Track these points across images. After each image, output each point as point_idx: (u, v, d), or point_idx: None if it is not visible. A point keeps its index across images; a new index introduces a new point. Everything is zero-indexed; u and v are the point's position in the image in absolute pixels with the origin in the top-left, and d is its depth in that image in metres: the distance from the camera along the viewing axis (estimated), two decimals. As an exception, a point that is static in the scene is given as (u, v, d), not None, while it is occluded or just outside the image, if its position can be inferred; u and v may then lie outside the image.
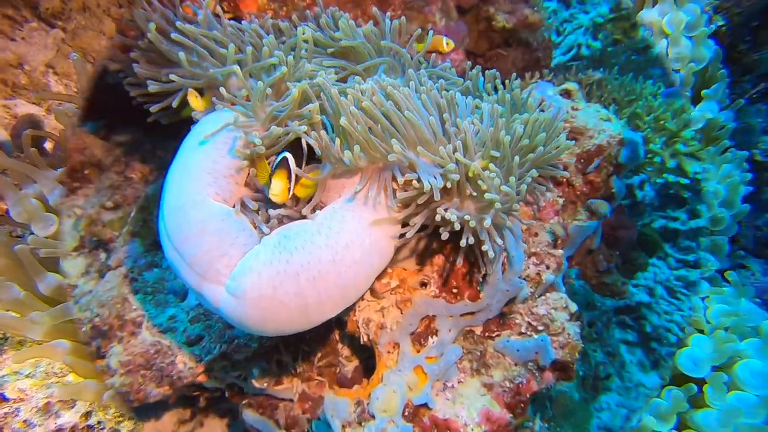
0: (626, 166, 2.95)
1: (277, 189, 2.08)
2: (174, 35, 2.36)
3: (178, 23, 2.38)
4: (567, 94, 3.04)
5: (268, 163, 2.29)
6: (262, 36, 2.50)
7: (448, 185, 2.07)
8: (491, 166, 2.12)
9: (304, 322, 2.08)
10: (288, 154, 2.15)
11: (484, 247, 2.11)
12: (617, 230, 3.37)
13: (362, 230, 2.10)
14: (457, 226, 2.08)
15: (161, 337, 2.69)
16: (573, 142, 2.54)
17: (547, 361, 2.60)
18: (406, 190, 2.13)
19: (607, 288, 3.39)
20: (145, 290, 2.82)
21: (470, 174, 2.11)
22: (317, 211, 2.17)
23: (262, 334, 2.19)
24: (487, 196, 2.06)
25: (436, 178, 2.05)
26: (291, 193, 2.13)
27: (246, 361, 2.89)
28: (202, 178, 2.19)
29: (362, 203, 2.14)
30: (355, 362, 3.07)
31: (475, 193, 2.15)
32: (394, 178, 2.15)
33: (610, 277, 3.35)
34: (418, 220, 2.13)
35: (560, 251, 2.94)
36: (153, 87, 2.46)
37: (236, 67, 2.33)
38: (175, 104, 2.44)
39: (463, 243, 2.12)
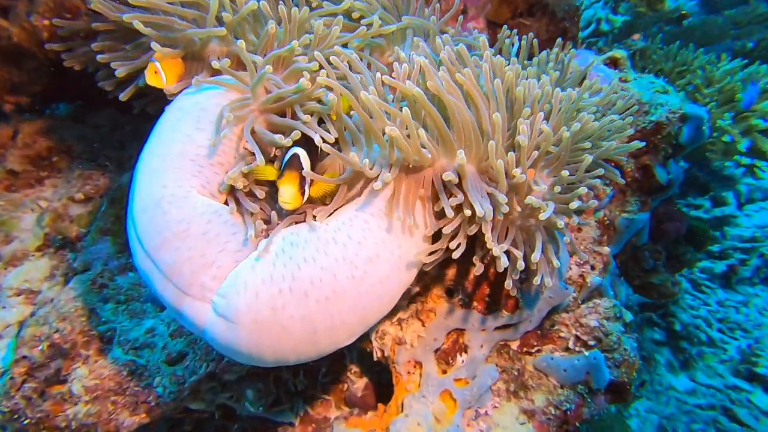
0: (686, 147, 2.51)
1: (288, 195, 1.62)
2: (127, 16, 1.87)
3: None
4: (613, 63, 2.61)
5: (274, 159, 1.85)
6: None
7: (500, 215, 1.68)
8: (564, 173, 1.70)
9: (312, 352, 1.64)
10: (300, 151, 1.69)
11: (537, 280, 1.75)
12: (664, 223, 2.93)
13: (391, 240, 1.66)
14: (503, 267, 1.67)
15: (136, 355, 2.26)
16: (645, 143, 2.09)
17: (601, 383, 2.18)
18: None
19: (654, 289, 2.96)
20: (117, 298, 2.41)
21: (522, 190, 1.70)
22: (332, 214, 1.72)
23: (259, 365, 1.75)
24: (543, 216, 1.65)
25: (483, 199, 1.64)
26: (306, 197, 1.69)
27: (238, 381, 2.48)
28: (185, 167, 1.73)
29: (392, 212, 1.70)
30: (366, 378, 2.66)
31: (520, 209, 1.73)
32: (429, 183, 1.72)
33: (657, 276, 2.92)
34: (461, 243, 1.72)
35: (607, 249, 2.51)
36: (121, 70, 2.01)
37: (221, 30, 1.86)
38: (142, 83, 2.00)
39: (508, 285, 1.77)
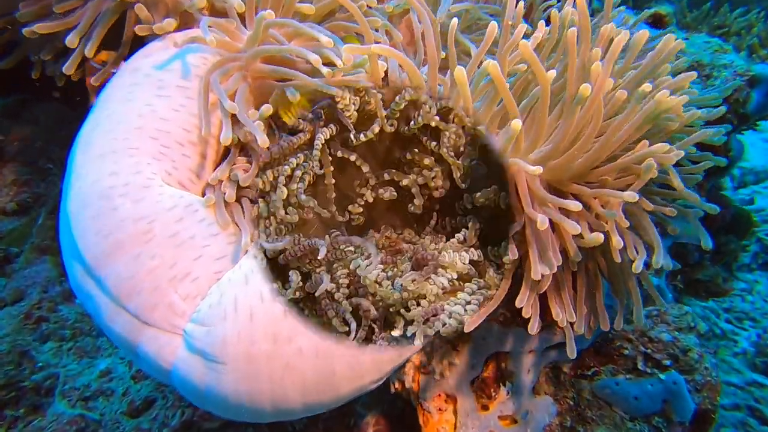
0: (750, 117, 2.13)
1: None
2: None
3: None
4: (657, 21, 2.21)
5: None
6: None
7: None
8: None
9: (328, 399, 1.21)
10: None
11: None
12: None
13: None
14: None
15: (87, 407, 1.80)
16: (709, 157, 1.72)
17: (685, 414, 1.78)
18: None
19: (700, 286, 2.57)
20: (60, 334, 2.01)
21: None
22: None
23: (252, 420, 1.28)
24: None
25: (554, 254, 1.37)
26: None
27: (222, 428, 2.01)
28: (143, 148, 1.27)
29: None
30: (376, 411, 2.21)
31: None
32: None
33: (704, 272, 2.53)
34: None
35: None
36: (42, 25, 1.61)
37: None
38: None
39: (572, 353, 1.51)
